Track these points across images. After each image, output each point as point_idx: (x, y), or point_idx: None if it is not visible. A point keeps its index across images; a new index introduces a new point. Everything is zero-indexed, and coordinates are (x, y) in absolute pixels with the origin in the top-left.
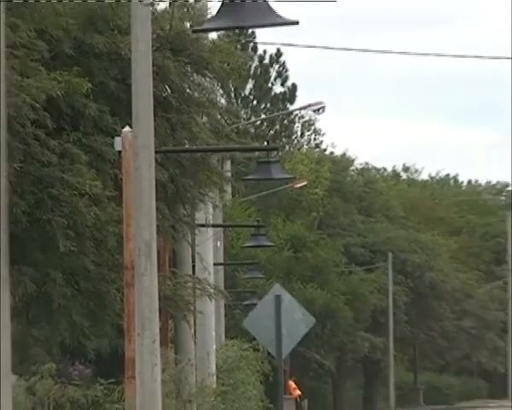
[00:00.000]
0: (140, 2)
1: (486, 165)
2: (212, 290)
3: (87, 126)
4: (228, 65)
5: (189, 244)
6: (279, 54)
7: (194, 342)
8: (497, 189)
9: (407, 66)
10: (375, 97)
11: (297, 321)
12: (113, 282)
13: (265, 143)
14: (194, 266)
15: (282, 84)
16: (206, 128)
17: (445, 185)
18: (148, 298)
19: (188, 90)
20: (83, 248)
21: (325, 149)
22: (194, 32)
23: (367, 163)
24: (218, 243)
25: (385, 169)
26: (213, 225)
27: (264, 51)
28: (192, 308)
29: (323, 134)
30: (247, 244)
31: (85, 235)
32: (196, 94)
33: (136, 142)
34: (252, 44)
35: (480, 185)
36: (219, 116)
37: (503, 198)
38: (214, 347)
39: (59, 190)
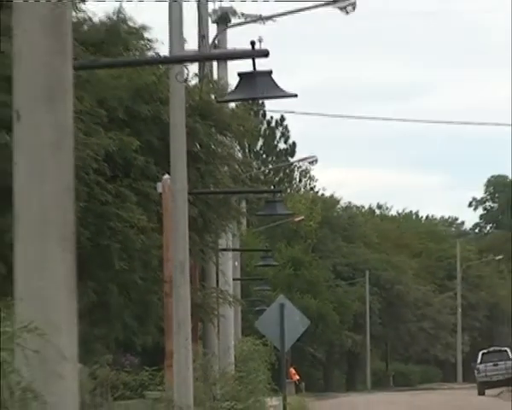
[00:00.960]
0: (176, 79)
1: (440, 203)
2: (231, 299)
3: (136, 174)
4: (243, 127)
5: (214, 264)
6: (282, 119)
7: (218, 339)
8: (449, 222)
9: (379, 129)
10: (355, 152)
11: (296, 323)
12: (155, 293)
13: (272, 187)
14: (217, 281)
15: (285, 142)
16: (227, 175)
17: (409, 219)
18: (182, 305)
19: (213, 147)
20: (133, 267)
21: (318, 192)
22: (217, 102)
23: (350, 202)
24: (236, 263)
25: (363, 207)
26: (232, 250)
27: (271, 117)
28: (216, 313)
29: (316, 180)
30: (258, 264)
31: (134, 257)
32: (219, 149)
33: (174, 186)
34: (262, 111)
35: (435, 219)
36: (237, 166)
37: (453, 229)
38: (233, 343)
39: (115, 222)
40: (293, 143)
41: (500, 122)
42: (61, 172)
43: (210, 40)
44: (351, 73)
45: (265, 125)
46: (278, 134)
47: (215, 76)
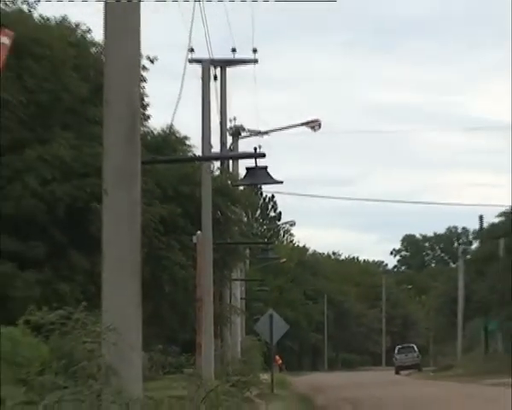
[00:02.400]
0: (206, 171)
1: (373, 251)
2: (239, 311)
3: (179, 231)
4: (248, 202)
5: (228, 288)
6: (273, 196)
7: (230, 336)
8: (378, 264)
9: (336, 203)
10: (320, 218)
11: (280, 327)
12: (191, 307)
13: (266, 240)
14: (230, 299)
15: (274, 211)
16: (237, 232)
17: (352, 262)
18: (208, 315)
19: (228, 214)
20: (177, 291)
21: (295, 243)
22: (232, 186)
23: (315, 250)
24: (243, 288)
25: (324, 253)
26: (240, 279)
27: (266, 195)
28: (229, 320)
29: (294, 236)
30: (257, 289)
31: (178, 284)
32: (232, 216)
33: (204, 239)
34: (260, 191)
35: (369, 262)
36: (243, 227)
37: (380, 268)
38: (239, 339)
39: (166, 262)
40: (280, 212)
41: (411, 200)
42: (132, 229)
43: (227, 146)
44: (318, 167)
45: (262, 201)
46: (270, 206)
47: (231, 169)
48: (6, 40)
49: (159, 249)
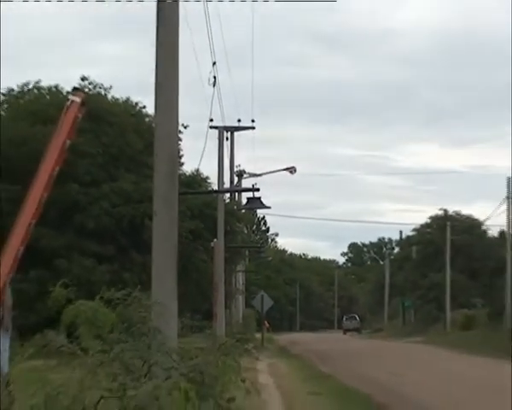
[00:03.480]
0: (221, 200)
1: (328, 253)
2: (241, 292)
3: (203, 238)
4: (248, 219)
5: (234, 276)
6: (263, 217)
7: (235, 309)
8: (332, 261)
9: (304, 221)
10: (295, 232)
11: (268, 302)
12: (210, 289)
13: (259, 245)
14: (235, 284)
15: (265, 226)
16: (240, 240)
17: (316, 260)
18: (220, 295)
19: (234, 228)
20: (200, 277)
21: (278, 247)
22: (238, 209)
23: (292, 252)
24: (243, 276)
25: (296, 254)
26: (242, 271)
27: (259, 215)
28: (235, 297)
29: (277, 243)
30: (253, 277)
31: (202, 273)
32: (237, 229)
33: (218, 244)
34: (255, 213)
35: (327, 260)
36: (244, 236)
37: (334, 265)
38: (241, 310)
39: (193, 259)
40: (268, 227)
41: (355, 220)
42: (171, 237)
43: (234, 183)
44: (294, 197)
45: (256, 219)
46: (262, 223)
47: (236, 198)
48: (77, 98)
49: (189, 251)
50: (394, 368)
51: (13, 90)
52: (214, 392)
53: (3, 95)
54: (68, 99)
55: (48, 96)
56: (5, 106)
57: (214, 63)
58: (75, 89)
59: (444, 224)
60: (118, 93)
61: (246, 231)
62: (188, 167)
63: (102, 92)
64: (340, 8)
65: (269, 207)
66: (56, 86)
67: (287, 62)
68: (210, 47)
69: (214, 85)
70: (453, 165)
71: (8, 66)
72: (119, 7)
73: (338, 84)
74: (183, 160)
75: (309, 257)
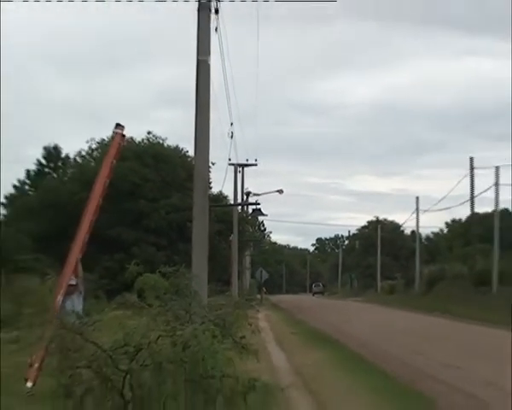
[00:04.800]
0: (236, 211)
1: (304, 244)
2: (248, 268)
3: (224, 235)
4: (252, 223)
5: (244, 258)
6: (263, 221)
7: (244, 279)
8: (306, 250)
9: (293, 224)
10: (282, 231)
11: (264, 275)
12: (229, 266)
13: (260, 239)
14: (244, 263)
15: (263, 226)
16: (247, 235)
17: (295, 249)
18: (234, 270)
19: (244, 228)
20: (222, 259)
21: (271, 240)
22: (246, 216)
23: (279, 243)
24: (249, 258)
25: (283, 244)
26: (249, 255)
27: (260, 220)
28: (244, 272)
29: (271, 237)
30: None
31: (223, 256)
32: (246, 229)
33: (234, 238)
34: (257, 219)
35: (302, 249)
36: (250, 233)
37: (307, 252)
38: (248, 280)
39: (219, 247)
40: (265, 228)
41: (322, 223)
42: (204, 234)
43: (244, 199)
44: (283, 209)
45: (258, 223)
46: (261, 225)
47: (246, 209)
48: (119, 131)
49: (215, 243)
50: (344, 316)
51: (104, 140)
52: (231, 332)
53: (98, 143)
54: (114, 132)
55: (125, 143)
56: (97, 152)
57: (231, 124)
58: (118, 125)
59: (376, 226)
60: (170, 142)
61: (251, 230)
62: (214, 189)
63: (161, 141)
64: (310, 87)
65: (266, 215)
66: (131, 137)
67: (277, 122)
68: (229, 113)
69: (232, 137)
70: (383, 189)
71: (98, 123)
72: (170, 87)
73: (310, 137)
74: (211, 185)
75: (291, 247)
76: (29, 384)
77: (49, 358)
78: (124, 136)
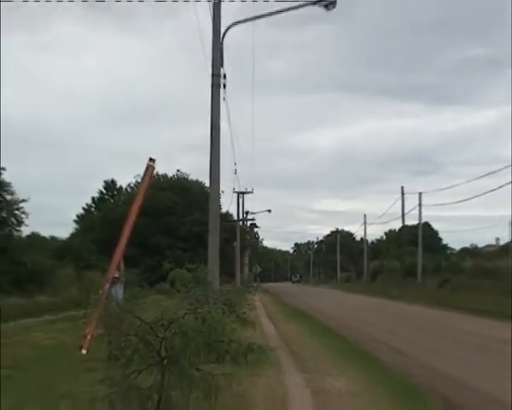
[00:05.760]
0: (238, 225)
1: (288, 247)
2: (247, 264)
3: (230, 242)
4: (250, 233)
5: (244, 258)
6: (257, 232)
7: (244, 272)
8: (288, 252)
9: (279, 234)
10: (271, 238)
11: (258, 269)
12: (233, 263)
13: (255, 244)
14: (244, 260)
15: (257, 235)
16: (247, 241)
17: (279, 251)
18: (238, 266)
19: (245, 236)
20: (229, 260)
21: (263, 245)
22: (245, 228)
23: (269, 247)
24: (248, 257)
25: (273, 247)
26: (248, 256)
27: (255, 231)
28: (244, 267)
29: (262, 243)
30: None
31: (230, 258)
32: (246, 237)
33: (237, 244)
34: (253, 230)
35: (286, 251)
36: (249, 240)
37: (289, 253)
38: (247, 273)
39: (226, 251)
40: (259, 236)
41: (299, 232)
42: (216, 243)
43: (244, 216)
44: (268, 222)
45: (254, 232)
46: (256, 234)
47: (246, 224)
48: (152, 164)
49: (224, 247)
50: (314, 297)
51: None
52: (236, 309)
53: (137, 182)
54: (148, 164)
55: (162, 179)
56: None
57: (235, 164)
58: (151, 159)
59: (336, 235)
60: (193, 177)
61: (248, 238)
62: (223, 209)
63: (186, 176)
64: (290, 138)
65: (259, 227)
66: (165, 174)
67: (267, 162)
68: (233, 156)
69: (235, 173)
70: (341, 208)
71: (142, 162)
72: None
73: (290, 172)
74: (221, 206)
75: (277, 249)
76: (84, 351)
77: (101, 330)
78: (154, 168)
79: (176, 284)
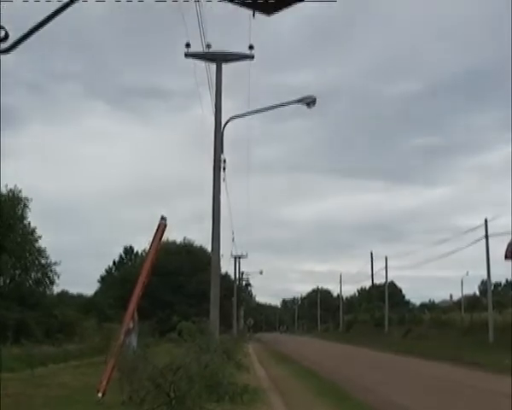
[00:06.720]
0: (236, 283)
1: None
2: (242, 317)
3: (228, 295)
4: (245, 290)
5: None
6: (251, 290)
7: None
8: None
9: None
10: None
11: (251, 321)
12: (232, 313)
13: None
14: (240, 313)
15: (251, 293)
16: (242, 297)
17: None
18: (235, 319)
19: (241, 293)
20: (228, 307)
21: (256, 300)
22: (242, 287)
23: (261, 302)
24: (243, 311)
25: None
26: (243, 308)
27: (248, 289)
28: (239, 319)
29: (256, 298)
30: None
31: (228, 307)
32: (242, 293)
33: (235, 299)
34: (248, 288)
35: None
36: (245, 295)
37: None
38: (242, 324)
39: (224, 302)
40: (252, 293)
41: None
42: (217, 297)
43: (240, 276)
44: (262, 282)
45: (248, 290)
46: (250, 291)
47: (242, 283)
48: (163, 221)
49: (223, 302)
50: (299, 344)
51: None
52: (233, 356)
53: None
54: (160, 223)
55: (171, 245)
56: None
57: (233, 232)
58: (162, 217)
59: (317, 292)
60: (197, 243)
61: (244, 295)
62: (223, 270)
63: (191, 242)
64: (277, 211)
65: (252, 286)
66: (175, 240)
67: (260, 231)
68: (231, 227)
69: (233, 241)
70: (321, 269)
71: (150, 232)
72: (199, 212)
73: (279, 239)
74: (221, 267)
75: (267, 304)
76: (99, 395)
77: (117, 375)
78: (166, 225)
79: (183, 335)
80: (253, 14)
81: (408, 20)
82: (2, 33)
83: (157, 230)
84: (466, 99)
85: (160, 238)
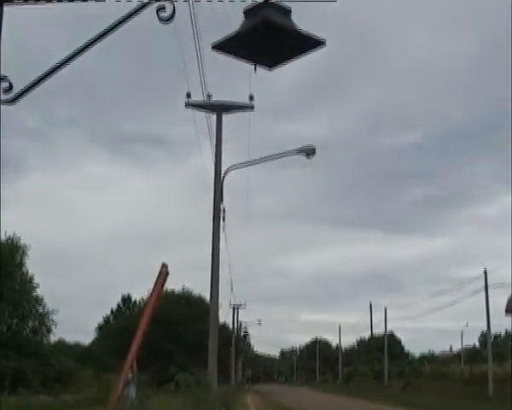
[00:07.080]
0: (234, 331)
1: None
2: (240, 368)
3: (226, 343)
4: (244, 340)
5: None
6: (249, 339)
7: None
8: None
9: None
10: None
11: (249, 372)
12: (229, 362)
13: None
14: (238, 364)
15: (249, 344)
16: (240, 348)
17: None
18: (233, 370)
19: (239, 344)
20: (226, 354)
21: (254, 351)
22: (240, 337)
23: (259, 353)
24: (241, 361)
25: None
26: (241, 359)
27: (246, 339)
28: (237, 370)
29: (254, 349)
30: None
31: (226, 357)
32: (240, 344)
33: (233, 349)
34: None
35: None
36: (242, 346)
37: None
38: (240, 375)
39: (223, 352)
40: (250, 343)
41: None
42: (215, 347)
43: (239, 325)
44: (260, 330)
45: (246, 340)
46: (248, 341)
47: (240, 332)
48: (164, 269)
49: (222, 352)
50: (298, 396)
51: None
52: (231, 407)
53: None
54: (161, 270)
55: (170, 295)
56: None
57: (231, 282)
58: (163, 264)
59: (315, 343)
60: (196, 292)
61: (242, 344)
62: (221, 320)
63: (190, 291)
64: (274, 260)
65: (250, 336)
66: (174, 289)
67: (258, 281)
68: (230, 278)
69: (232, 290)
70: (319, 320)
71: (149, 281)
72: (198, 260)
73: (276, 290)
74: (220, 317)
75: (265, 355)
76: None
77: None
78: (168, 273)
79: (181, 386)
80: (255, 69)
81: (405, 71)
82: (6, 84)
83: (158, 277)
84: (464, 150)
85: (163, 285)
